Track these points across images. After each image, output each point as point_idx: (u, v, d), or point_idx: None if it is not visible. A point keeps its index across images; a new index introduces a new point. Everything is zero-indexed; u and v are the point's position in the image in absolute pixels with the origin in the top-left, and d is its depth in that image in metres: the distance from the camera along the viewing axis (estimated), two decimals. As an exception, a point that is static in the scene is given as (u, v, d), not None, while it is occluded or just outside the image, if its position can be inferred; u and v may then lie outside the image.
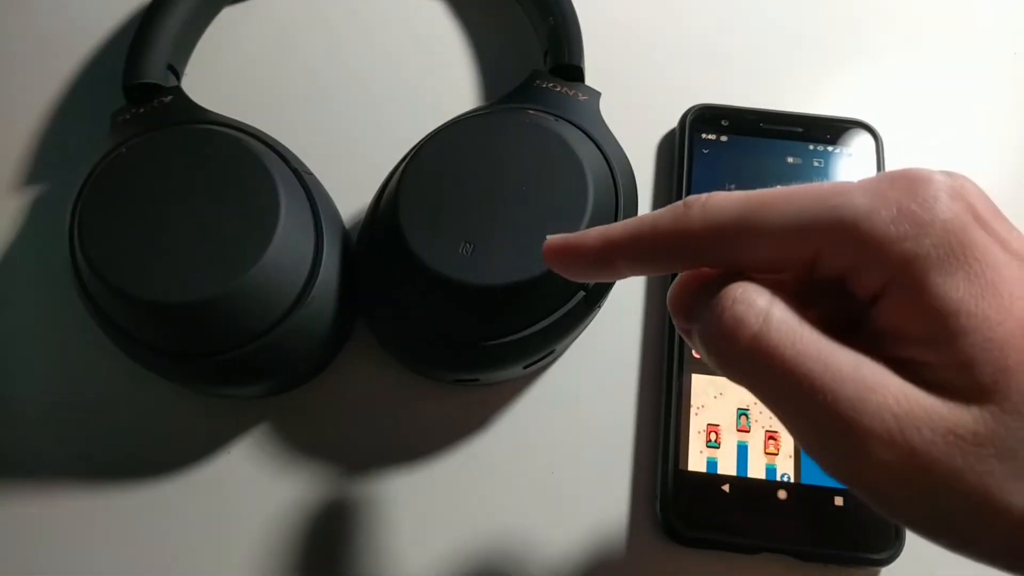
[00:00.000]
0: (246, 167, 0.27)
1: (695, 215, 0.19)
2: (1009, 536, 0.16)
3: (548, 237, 0.22)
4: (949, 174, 0.17)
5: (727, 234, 0.18)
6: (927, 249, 0.16)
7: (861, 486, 0.17)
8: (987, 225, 0.17)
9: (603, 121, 0.31)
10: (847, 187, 0.18)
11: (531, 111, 0.29)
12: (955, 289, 0.16)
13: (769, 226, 0.18)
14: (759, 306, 0.17)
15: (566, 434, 0.30)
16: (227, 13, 0.37)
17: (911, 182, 0.17)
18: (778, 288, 0.18)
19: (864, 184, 0.17)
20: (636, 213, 0.29)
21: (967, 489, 0.16)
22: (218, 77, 0.36)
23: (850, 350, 0.17)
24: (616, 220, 0.28)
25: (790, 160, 0.33)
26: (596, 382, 0.30)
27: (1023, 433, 0.15)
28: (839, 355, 0.17)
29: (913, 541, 0.27)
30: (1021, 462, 0.15)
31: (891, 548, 0.27)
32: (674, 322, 0.21)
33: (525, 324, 0.27)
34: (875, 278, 0.17)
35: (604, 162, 0.29)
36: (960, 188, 0.17)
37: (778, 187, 0.19)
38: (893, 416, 0.16)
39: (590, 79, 0.33)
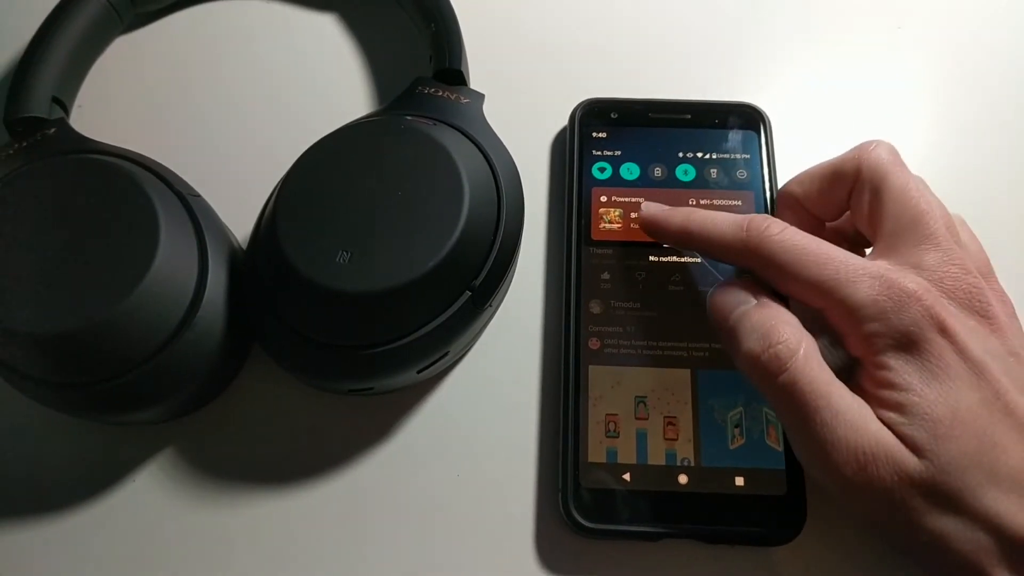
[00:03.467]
0: (125, 193, 0.27)
1: (754, 243, 0.25)
2: (920, 548, 0.23)
3: (643, 204, 0.29)
4: (954, 275, 0.24)
5: (771, 267, 0.25)
6: (889, 341, 0.23)
7: (831, 485, 0.23)
8: (949, 333, 0.23)
9: (486, 122, 0.31)
10: (868, 272, 0.24)
11: (408, 116, 0.29)
12: (909, 373, 0.23)
13: (798, 277, 0.24)
14: (795, 351, 0.24)
15: (470, 437, 0.30)
16: (119, 42, 0.37)
17: (902, 292, 0.23)
18: (811, 320, 0.25)
19: (877, 278, 0.24)
20: (522, 210, 0.29)
21: (897, 510, 0.22)
22: (112, 107, 0.36)
23: (848, 392, 0.23)
24: (499, 219, 0.28)
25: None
26: (498, 384, 0.30)
27: (941, 483, 0.22)
28: (838, 398, 0.23)
29: (814, 519, 0.27)
30: (936, 501, 0.22)
31: (793, 526, 0.27)
32: (715, 322, 0.26)
33: (411, 328, 0.27)
34: (855, 347, 0.24)
35: (485, 162, 0.29)
36: (931, 304, 0.23)
37: (826, 246, 0.25)
38: (863, 452, 0.22)
39: (482, 83, 0.33)
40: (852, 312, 0.24)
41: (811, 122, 0.35)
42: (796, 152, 0.33)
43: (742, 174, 0.32)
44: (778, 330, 0.24)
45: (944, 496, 0.22)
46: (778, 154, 0.33)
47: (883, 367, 0.23)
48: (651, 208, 0.29)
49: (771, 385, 0.24)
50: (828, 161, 0.28)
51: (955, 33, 0.37)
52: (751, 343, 0.24)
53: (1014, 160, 0.34)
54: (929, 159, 0.34)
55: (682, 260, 0.31)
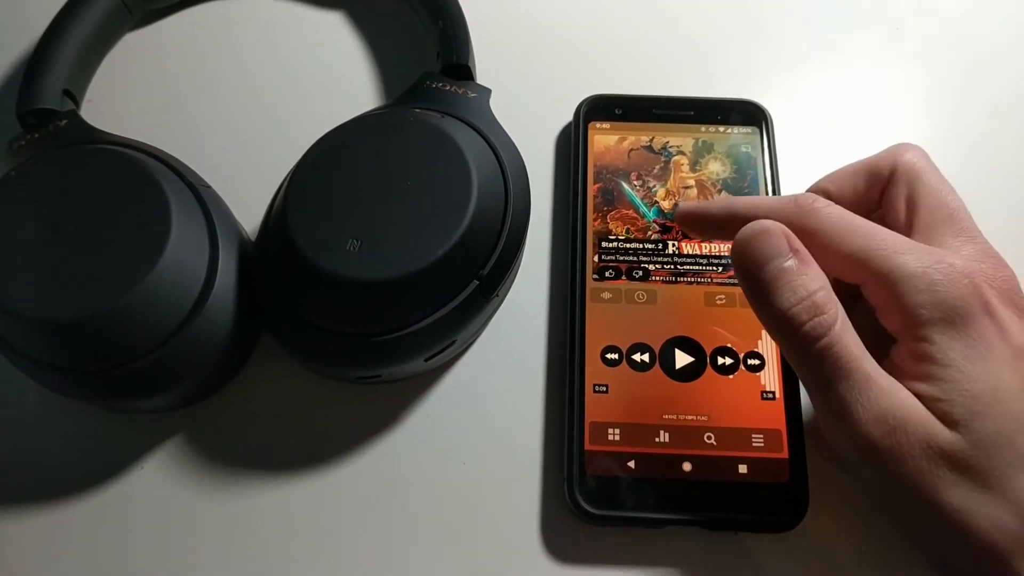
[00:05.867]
0: (137, 183, 0.28)
1: (803, 216, 0.25)
2: (939, 526, 0.23)
3: (679, 204, 0.30)
4: (992, 266, 0.24)
5: (819, 236, 0.25)
6: (936, 316, 0.23)
7: (853, 449, 0.23)
8: (993, 315, 0.23)
9: (493, 116, 0.31)
10: (917, 247, 0.24)
11: (417, 109, 0.30)
12: (952, 348, 0.23)
13: (844, 248, 0.24)
14: (835, 319, 0.23)
15: (476, 425, 0.30)
16: (129, 38, 0.37)
17: (950, 269, 0.24)
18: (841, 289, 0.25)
19: (927, 253, 0.24)
20: (529, 202, 0.30)
21: (922, 479, 0.22)
22: (122, 101, 0.36)
23: (877, 365, 0.24)
24: (506, 210, 0.29)
25: (684, 143, 0.33)
26: (504, 373, 0.31)
27: (972, 457, 0.22)
28: (871, 364, 0.23)
29: (816, 506, 0.27)
30: (964, 476, 0.22)
31: (795, 513, 0.27)
32: (744, 268, 0.25)
33: (419, 316, 0.27)
34: (895, 320, 0.24)
35: (492, 154, 0.29)
36: (979, 283, 0.24)
37: (872, 224, 0.25)
38: (894, 416, 0.23)
39: (489, 78, 0.33)
40: (899, 282, 0.24)
41: (813, 120, 0.35)
42: (798, 149, 0.34)
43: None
44: (823, 300, 0.24)
45: (973, 472, 0.22)
46: (780, 151, 0.33)
47: (925, 340, 0.23)
48: (687, 203, 0.29)
49: (805, 350, 0.24)
50: (861, 161, 0.28)
51: (954, 33, 0.37)
52: (794, 309, 0.24)
53: (1015, 159, 0.35)
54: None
55: (687, 252, 0.31)
